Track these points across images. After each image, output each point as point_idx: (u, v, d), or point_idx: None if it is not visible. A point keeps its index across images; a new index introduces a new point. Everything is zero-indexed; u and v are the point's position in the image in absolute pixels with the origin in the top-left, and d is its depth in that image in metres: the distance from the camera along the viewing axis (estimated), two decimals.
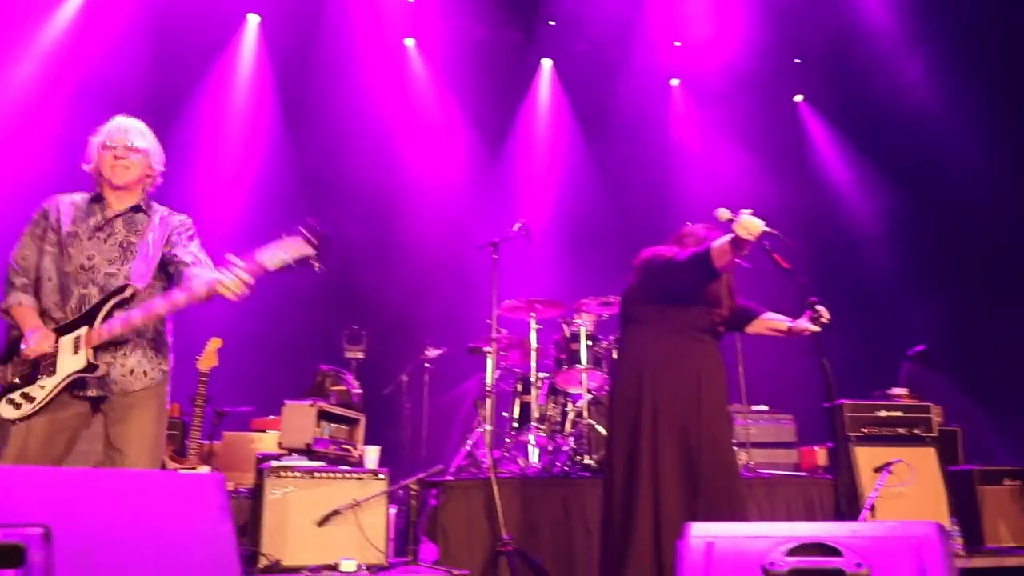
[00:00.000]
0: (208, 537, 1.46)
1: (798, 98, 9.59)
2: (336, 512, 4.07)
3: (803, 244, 8.43)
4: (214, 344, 4.24)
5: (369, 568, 3.98)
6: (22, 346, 2.85)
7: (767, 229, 3.19)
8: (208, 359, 4.20)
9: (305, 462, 4.27)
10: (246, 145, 7.95)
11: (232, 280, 2.76)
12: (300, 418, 4.63)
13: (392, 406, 7.42)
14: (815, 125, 9.50)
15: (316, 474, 4.19)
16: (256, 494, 4.12)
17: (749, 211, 3.19)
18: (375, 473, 4.31)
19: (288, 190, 7.94)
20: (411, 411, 7.36)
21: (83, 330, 2.87)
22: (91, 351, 2.84)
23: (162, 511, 1.49)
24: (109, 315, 2.88)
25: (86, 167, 3.15)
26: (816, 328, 3.49)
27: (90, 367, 2.84)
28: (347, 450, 4.92)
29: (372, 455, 4.47)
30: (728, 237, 3.21)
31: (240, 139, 7.94)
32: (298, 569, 3.91)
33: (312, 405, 4.67)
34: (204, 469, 4.09)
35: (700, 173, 8.58)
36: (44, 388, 2.81)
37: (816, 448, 6.18)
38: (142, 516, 1.48)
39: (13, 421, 2.80)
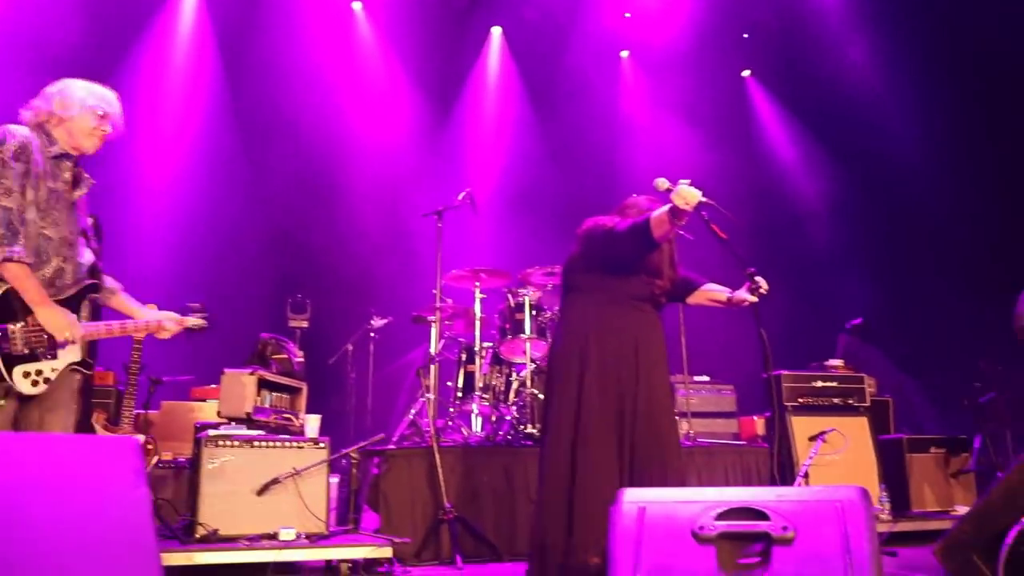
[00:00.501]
0: (123, 501, 1.42)
1: (745, 73, 9.68)
2: (275, 481, 4.02)
3: (744, 216, 8.54)
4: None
5: (308, 537, 3.95)
6: (48, 322, 2.72)
7: (704, 199, 3.20)
8: None
9: (244, 431, 4.20)
10: (186, 106, 7.73)
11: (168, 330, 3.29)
12: (239, 387, 4.53)
13: (337, 375, 7.37)
14: (761, 100, 9.61)
15: (255, 443, 4.13)
16: (194, 463, 4.05)
17: (687, 181, 3.19)
18: (315, 442, 4.27)
19: (229, 155, 7.76)
20: (356, 380, 7.31)
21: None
22: (86, 346, 2.79)
23: (76, 474, 1.44)
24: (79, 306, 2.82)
25: (35, 114, 2.92)
26: (754, 299, 3.50)
27: (84, 363, 2.78)
28: (288, 419, 4.84)
29: (313, 424, 4.43)
30: (666, 207, 3.21)
31: (180, 100, 7.72)
32: (236, 538, 3.86)
33: (252, 374, 4.58)
34: (139, 438, 4.00)
35: (647, 145, 8.62)
36: (53, 371, 2.72)
37: (755, 418, 6.32)
38: (56, 479, 1.43)
39: (29, 397, 2.69)
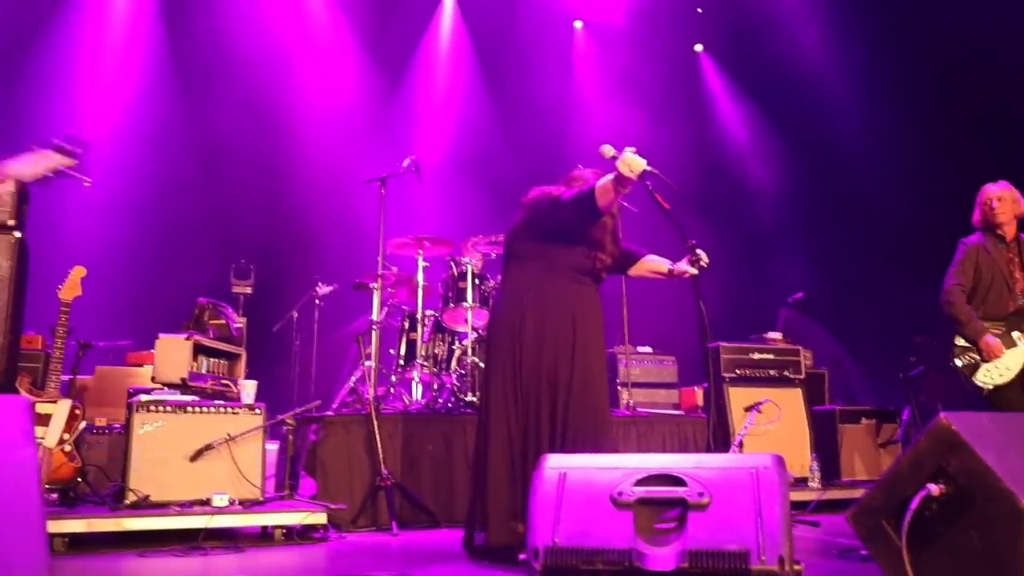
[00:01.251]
0: (7, 461, 1.38)
1: (698, 47, 9.70)
2: (208, 447, 3.98)
3: (693, 190, 8.64)
4: (77, 273, 4.01)
5: (242, 503, 3.92)
6: None
7: (649, 168, 3.20)
8: (70, 289, 3.98)
9: (177, 396, 4.14)
10: (125, 64, 7.49)
11: None
12: (174, 352, 4.46)
13: (282, 342, 7.30)
14: (713, 75, 9.65)
15: (189, 409, 4.08)
16: (126, 429, 3.99)
17: (632, 149, 3.19)
18: (251, 408, 4.23)
19: (171, 115, 7.55)
20: (301, 348, 7.25)
21: None
22: None
23: None
24: None
25: None
26: (695, 271, 3.53)
27: None
28: (226, 385, 4.79)
29: (249, 389, 4.38)
30: (611, 176, 3.22)
31: (119, 58, 7.48)
32: (167, 504, 3.82)
33: (188, 338, 4.51)
34: (64, 403, 3.91)
35: (598, 116, 8.61)
36: None
37: (696, 388, 6.42)
38: None
39: None
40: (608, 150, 3.27)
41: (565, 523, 2.12)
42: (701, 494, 2.10)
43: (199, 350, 4.65)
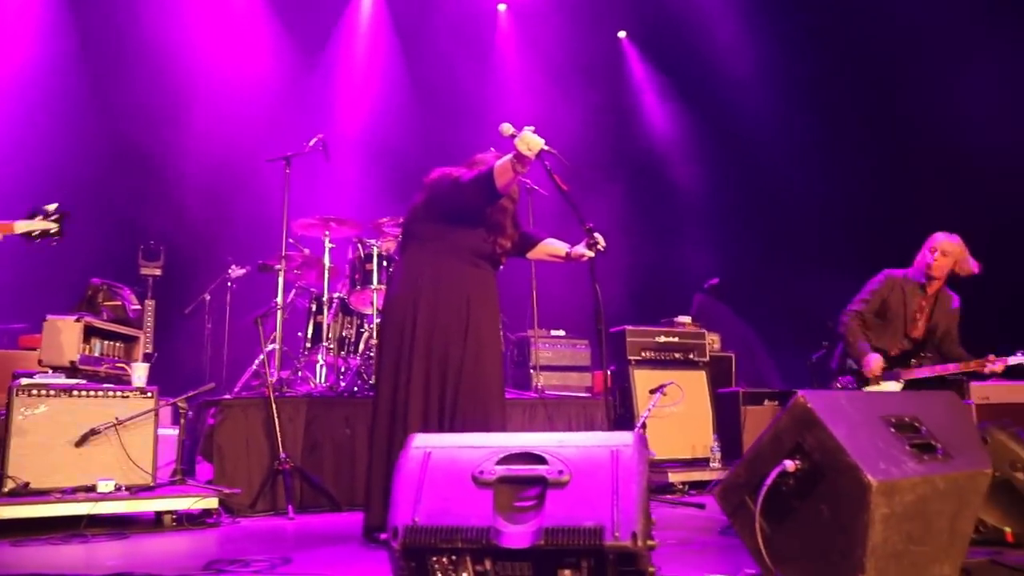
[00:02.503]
0: None
1: (621, 34, 9.76)
2: (94, 432, 3.86)
3: (615, 174, 8.74)
4: None
5: (129, 488, 3.81)
6: None
7: (547, 148, 3.19)
8: None
9: (62, 380, 4.00)
10: (24, 30, 7.15)
11: None
12: (64, 334, 4.31)
13: (194, 325, 7.11)
14: (636, 62, 9.72)
15: (74, 392, 3.94)
16: (6, 414, 3.83)
17: (531, 128, 3.18)
18: (142, 391, 4.11)
19: (73, 89, 7.25)
20: (213, 330, 7.09)
21: None
22: None
23: None
24: None
25: None
26: (591, 254, 3.55)
27: None
28: (121, 368, 4.65)
29: (140, 373, 4.24)
30: (509, 155, 3.20)
31: (17, 34, 7.13)
32: (49, 491, 3.69)
33: (78, 320, 4.36)
34: None
35: (518, 99, 8.60)
36: None
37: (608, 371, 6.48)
38: None
39: None
40: (507, 128, 3.26)
41: (426, 502, 2.11)
42: (561, 472, 2.11)
43: (92, 332, 4.50)
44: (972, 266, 4.65)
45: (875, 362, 4.60)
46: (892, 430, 2.39)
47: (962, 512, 2.43)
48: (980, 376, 4.57)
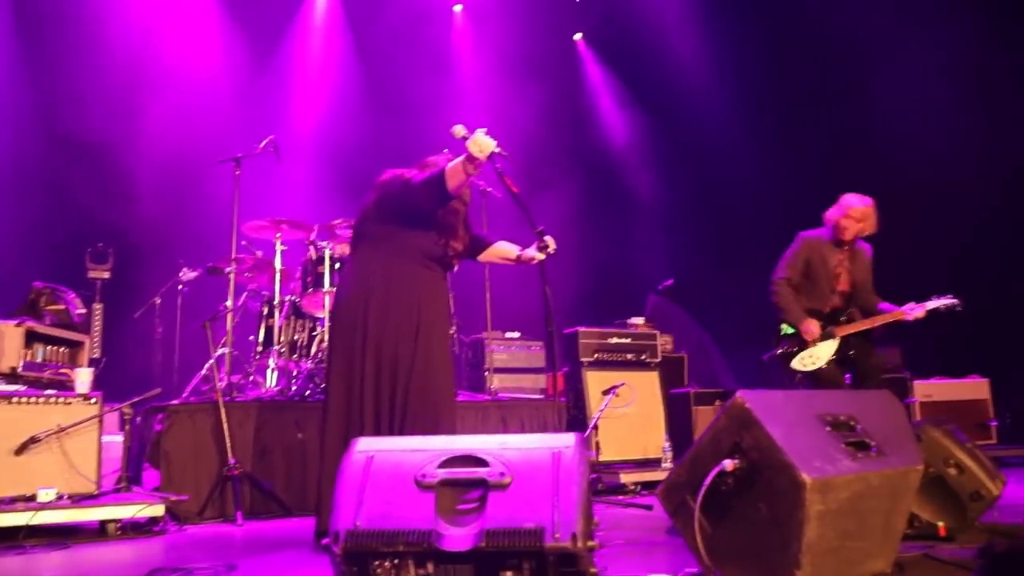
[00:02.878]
0: None
1: (577, 36, 9.83)
2: (34, 439, 3.77)
3: (571, 176, 8.78)
4: None
5: (71, 497, 3.74)
6: None
7: (498, 150, 3.20)
8: None
9: (1, 386, 3.90)
10: None
11: None
12: (3, 340, 4.21)
13: (144, 330, 6.99)
14: (591, 64, 9.80)
15: (15, 400, 3.85)
16: None
17: (483, 130, 3.19)
18: (86, 398, 4.03)
19: (14, 84, 7.07)
20: (163, 335, 6.97)
21: None
22: None
23: None
24: None
25: None
26: (542, 256, 3.56)
27: None
28: (65, 374, 4.55)
29: (84, 378, 4.16)
30: (461, 157, 3.21)
31: None
32: None
33: (19, 325, 4.26)
34: None
35: (474, 101, 8.61)
36: None
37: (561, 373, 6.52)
38: None
39: None
40: (459, 130, 3.27)
41: (368, 506, 2.11)
42: (503, 474, 2.12)
43: (34, 338, 4.40)
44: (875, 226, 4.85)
45: (813, 325, 4.72)
46: (828, 429, 2.45)
47: (895, 508, 2.49)
48: (905, 325, 4.74)
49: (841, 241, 4.83)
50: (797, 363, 4.75)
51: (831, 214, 4.86)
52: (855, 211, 4.77)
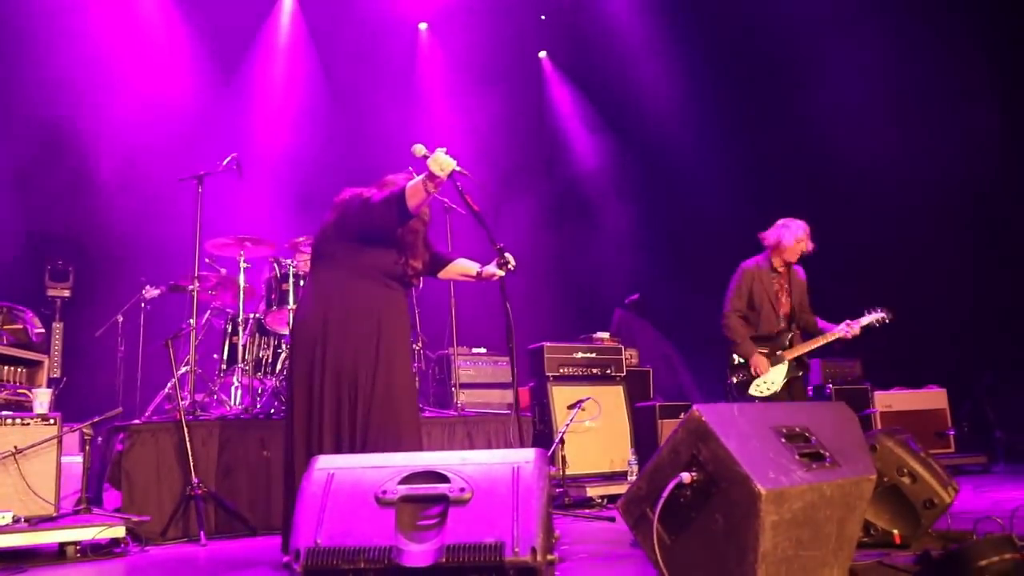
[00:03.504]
0: None
1: (542, 54, 9.93)
2: None
3: (536, 192, 8.85)
4: None
5: (29, 520, 3.68)
6: None
7: (458, 168, 3.23)
8: None
9: None
10: None
11: None
12: None
13: (106, 348, 6.89)
14: (556, 81, 9.90)
15: None
16: None
17: (443, 149, 3.22)
18: (44, 418, 3.97)
19: None
20: (126, 354, 6.88)
21: None
22: None
23: None
24: None
25: None
26: (502, 272, 3.58)
27: None
28: (23, 395, 4.49)
29: (43, 399, 4.10)
30: (421, 176, 3.23)
31: None
32: None
33: None
34: None
35: (439, 118, 8.65)
36: None
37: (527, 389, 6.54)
38: None
39: None
40: (420, 149, 3.30)
41: (328, 524, 2.11)
42: (463, 490, 2.14)
43: None
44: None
45: (761, 362, 4.93)
46: (783, 440, 2.50)
47: (849, 517, 2.55)
48: (844, 341, 4.98)
49: (783, 264, 5.06)
50: (754, 390, 4.96)
51: (778, 237, 5.04)
52: (804, 233, 4.99)
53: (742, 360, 4.99)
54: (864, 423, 5.44)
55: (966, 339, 7.17)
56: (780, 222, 5.07)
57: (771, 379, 4.92)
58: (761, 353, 4.93)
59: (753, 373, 4.92)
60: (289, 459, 3.34)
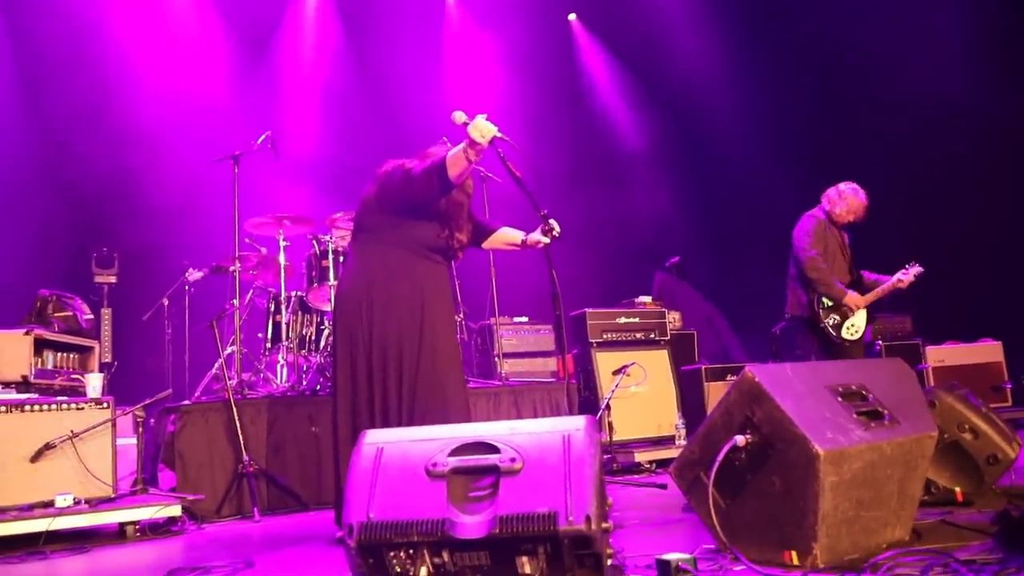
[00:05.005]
0: None
1: (571, 17, 9.75)
2: (49, 446, 3.79)
3: (568, 159, 8.74)
4: None
5: (88, 501, 3.76)
6: None
7: (499, 134, 3.16)
8: None
9: (12, 395, 3.92)
10: None
11: None
12: (13, 348, 4.22)
13: (153, 332, 7.01)
14: (587, 44, 9.72)
15: (27, 407, 3.86)
16: None
17: (484, 115, 3.15)
18: (97, 402, 4.04)
19: (11, 94, 7.06)
20: (173, 336, 6.99)
21: None
22: None
23: None
24: None
25: None
26: (547, 240, 3.53)
27: None
28: (76, 380, 4.57)
29: (95, 383, 4.17)
30: (462, 144, 3.17)
31: None
32: (5, 509, 3.62)
33: (27, 333, 4.27)
34: None
35: (472, 87, 8.55)
36: None
37: (570, 356, 6.51)
38: None
39: None
40: (460, 116, 3.23)
41: (380, 498, 2.10)
42: (514, 460, 2.11)
43: (43, 345, 4.42)
44: None
45: (858, 298, 4.93)
46: (839, 399, 2.43)
47: (910, 476, 2.48)
48: (900, 290, 5.02)
49: (839, 221, 5.05)
50: (846, 332, 4.94)
51: (842, 197, 5.02)
52: (863, 210, 5.03)
53: (829, 303, 4.94)
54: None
55: (1021, 289, 6.95)
56: (848, 188, 5.05)
57: (856, 324, 4.94)
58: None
59: (853, 308, 4.90)
60: (337, 434, 3.35)
